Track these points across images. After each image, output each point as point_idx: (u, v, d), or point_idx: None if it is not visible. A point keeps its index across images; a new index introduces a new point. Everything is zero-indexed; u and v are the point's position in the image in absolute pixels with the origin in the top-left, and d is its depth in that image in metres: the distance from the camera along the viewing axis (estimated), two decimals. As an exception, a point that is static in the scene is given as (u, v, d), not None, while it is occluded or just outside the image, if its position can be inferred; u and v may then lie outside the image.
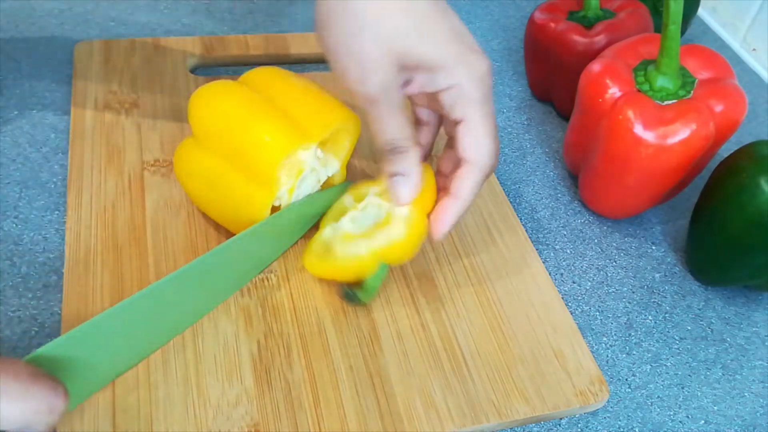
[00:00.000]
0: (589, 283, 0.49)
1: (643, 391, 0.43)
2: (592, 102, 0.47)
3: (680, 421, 0.42)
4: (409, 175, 0.40)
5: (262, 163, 0.40)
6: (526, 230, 0.50)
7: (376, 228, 0.41)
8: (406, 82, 0.39)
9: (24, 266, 0.43)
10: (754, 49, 0.71)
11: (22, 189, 0.47)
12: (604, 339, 0.46)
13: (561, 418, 0.41)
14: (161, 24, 0.63)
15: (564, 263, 0.50)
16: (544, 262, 0.48)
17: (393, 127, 0.38)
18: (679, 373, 0.45)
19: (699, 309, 0.49)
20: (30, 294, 0.42)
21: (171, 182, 0.47)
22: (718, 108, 0.44)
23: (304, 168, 0.42)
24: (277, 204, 0.42)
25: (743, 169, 0.44)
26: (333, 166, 0.44)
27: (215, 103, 0.41)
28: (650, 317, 0.47)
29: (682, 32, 0.65)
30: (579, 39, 0.54)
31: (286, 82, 0.43)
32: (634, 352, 0.45)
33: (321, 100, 0.43)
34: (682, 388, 0.44)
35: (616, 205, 0.50)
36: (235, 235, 0.40)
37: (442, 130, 0.43)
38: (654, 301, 0.48)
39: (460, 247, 0.47)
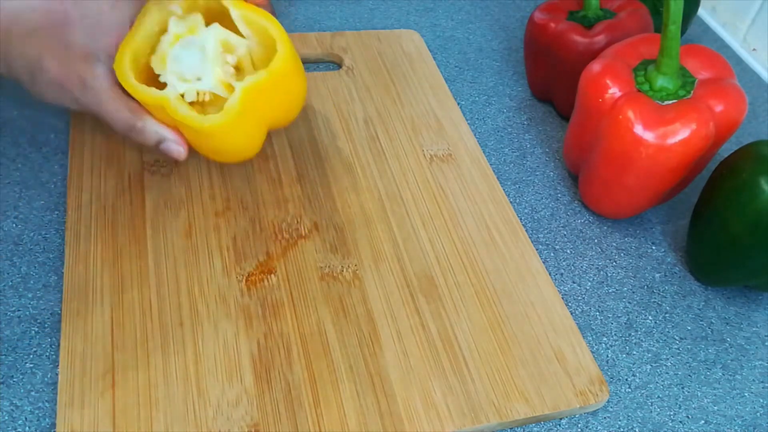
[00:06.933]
0: (589, 283, 0.49)
1: (643, 391, 0.43)
2: (592, 102, 0.47)
3: (680, 421, 0.42)
4: (167, 136, 0.42)
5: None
6: (526, 230, 0.50)
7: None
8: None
9: (24, 266, 0.43)
10: (754, 49, 0.71)
11: (22, 189, 0.47)
12: (604, 339, 0.46)
13: (561, 418, 0.41)
14: (161, 24, 0.62)
15: (564, 263, 0.50)
16: (544, 262, 0.48)
17: (120, 117, 0.41)
18: (679, 373, 0.45)
19: (699, 309, 0.49)
20: (30, 294, 0.42)
21: (171, 182, 0.47)
22: (718, 108, 0.44)
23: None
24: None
25: (743, 169, 0.44)
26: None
27: None
28: (650, 317, 0.47)
29: (682, 32, 0.65)
30: (579, 39, 0.53)
31: None
32: (634, 352, 0.45)
33: None
34: (682, 388, 0.44)
35: (616, 205, 0.50)
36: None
37: None
38: (654, 301, 0.48)
39: (460, 247, 0.47)
